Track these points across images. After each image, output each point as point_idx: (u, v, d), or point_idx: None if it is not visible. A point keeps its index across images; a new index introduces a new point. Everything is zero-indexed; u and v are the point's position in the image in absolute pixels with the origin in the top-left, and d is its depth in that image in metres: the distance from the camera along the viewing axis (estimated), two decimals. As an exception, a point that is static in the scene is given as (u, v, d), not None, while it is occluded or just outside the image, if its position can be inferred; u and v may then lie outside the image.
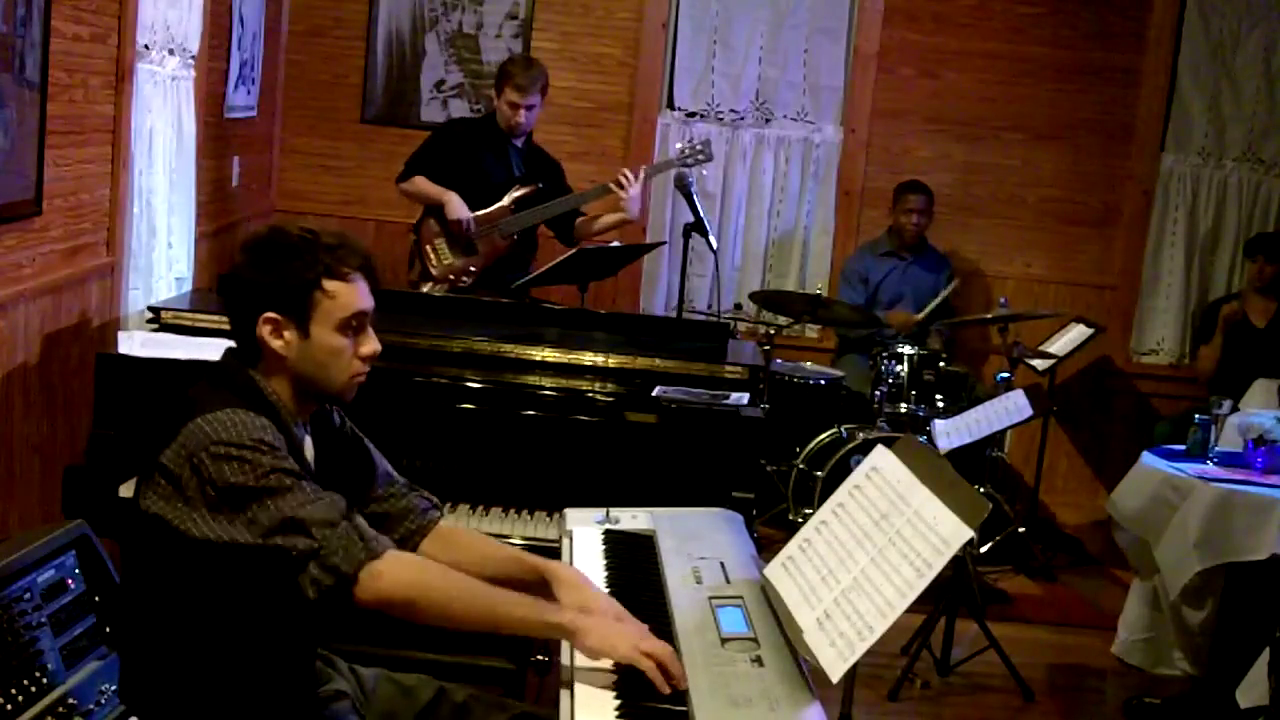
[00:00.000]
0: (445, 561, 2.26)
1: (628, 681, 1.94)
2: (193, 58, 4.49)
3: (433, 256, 4.87)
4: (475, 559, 2.28)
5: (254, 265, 2.12)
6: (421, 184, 4.95)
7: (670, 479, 3.17)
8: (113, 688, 2.49)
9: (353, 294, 2.12)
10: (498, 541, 2.38)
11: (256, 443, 1.99)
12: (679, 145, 5.07)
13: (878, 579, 1.98)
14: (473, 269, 4.85)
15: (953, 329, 5.90)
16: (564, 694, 1.93)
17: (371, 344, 2.17)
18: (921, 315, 5.63)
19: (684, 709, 1.86)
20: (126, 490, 3.11)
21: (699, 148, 4.97)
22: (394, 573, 1.97)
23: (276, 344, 2.11)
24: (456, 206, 4.84)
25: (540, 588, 2.18)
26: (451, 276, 4.88)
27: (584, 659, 1.99)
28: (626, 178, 4.83)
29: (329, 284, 2.10)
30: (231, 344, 2.21)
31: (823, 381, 5.40)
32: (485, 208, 4.88)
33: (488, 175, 4.92)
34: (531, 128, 5.00)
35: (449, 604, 2.00)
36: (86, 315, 3.83)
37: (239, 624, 2.03)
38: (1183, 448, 4.27)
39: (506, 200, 4.88)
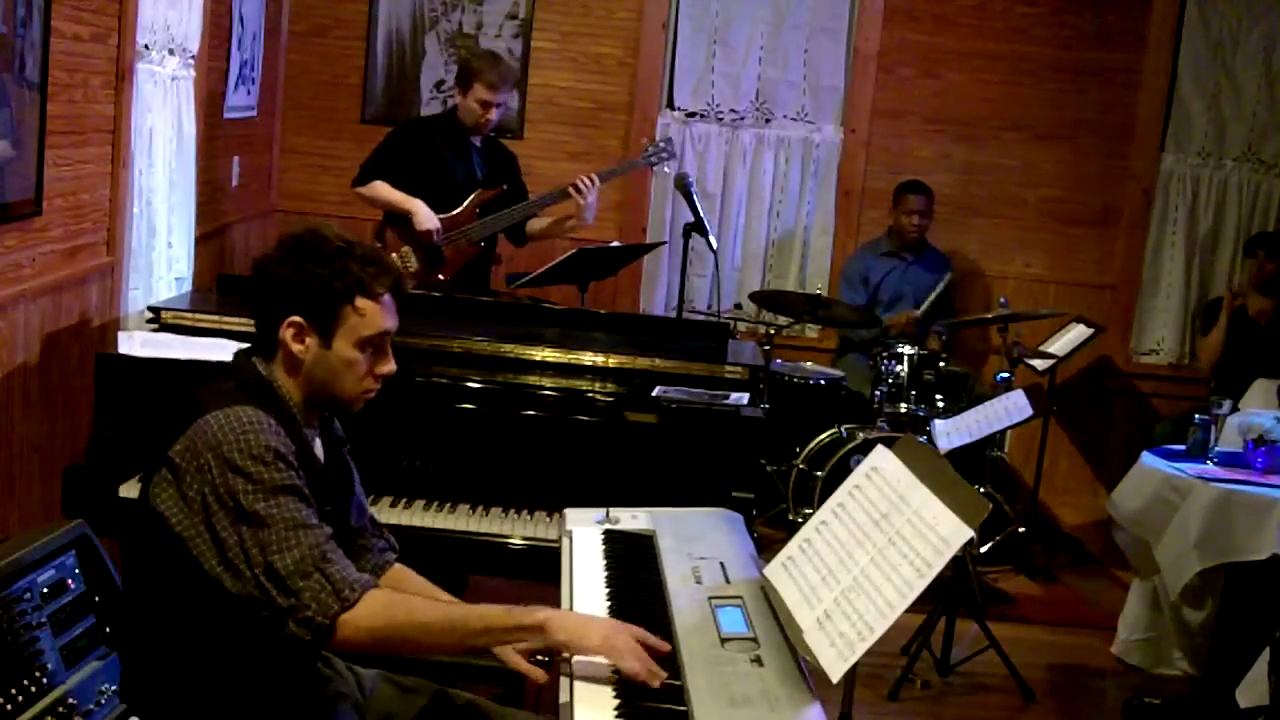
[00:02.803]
0: None
1: (627, 681, 1.94)
2: (193, 58, 4.49)
3: (399, 265, 4.76)
4: None
5: (289, 265, 2.12)
6: (383, 190, 4.78)
7: (670, 479, 3.17)
8: (113, 688, 2.50)
9: (380, 314, 2.14)
10: (441, 591, 2.36)
11: (264, 450, 1.99)
12: (644, 140, 5.03)
13: (878, 579, 1.98)
14: (441, 277, 4.75)
15: (953, 329, 5.90)
16: (564, 694, 1.93)
17: (388, 365, 2.19)
18: (919, 312, 5.63)
19: (684, 709, 1.86)
20: (126, 490, 3.11)
21: (661, 146, 4.93)
22: (365, 620, 1.97)
23: (296, 348, 2.12)
24: (425, 217, 4.69)
25: None
26: (420, 287, 4.78)
27: (584, 659, 1.99)
28: (585, 183, 4.73)
29: (360, 301, 2.11)
30: (240, 346, 2.22)
31: (823, 381, 5.40)
32: (447, 210, 4.75)
33: (449, 176, 4.79)
34: (497, 125, 4.92)
35: (421, 636, 2.02)
36: (86, 315, 3.83)
37: (239, 627, 2.03)
38: (1183, 448, 4.28)
39: (469, 204, 4.76)
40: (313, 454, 2.16)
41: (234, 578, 1.98)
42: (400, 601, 2.03)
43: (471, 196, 4.79)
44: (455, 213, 4.78)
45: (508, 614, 2.02)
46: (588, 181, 4.74)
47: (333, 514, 2.18)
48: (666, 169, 4.92)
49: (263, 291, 2.15)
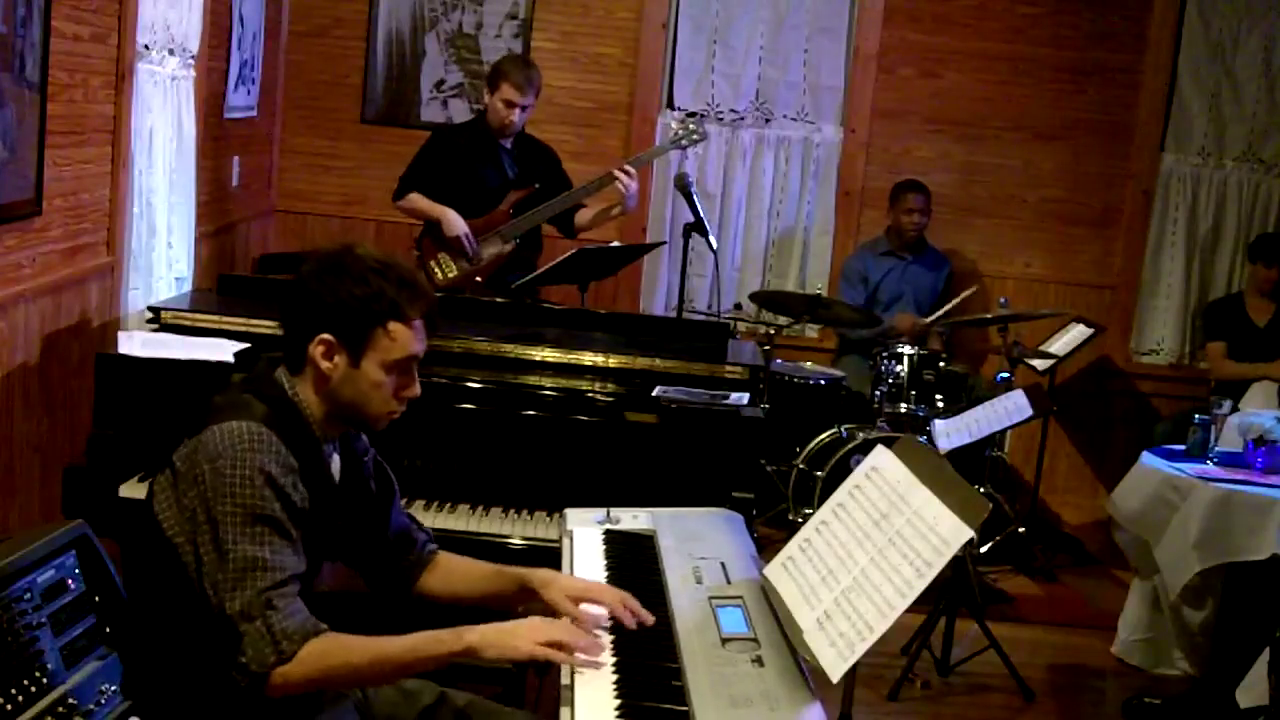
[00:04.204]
0: (442, 589, 2.37)
1: (628, 682, 1.94)
2: (193, 58, 4.49)
3: (438, 271, 4.82)
4: (467, 581, 2.38)
5: (324, 283, 2.11)
6: (417, 201, 4.89)
7: (670, 479, 3.17)
8: (113, 688, 2.49)
9: (411, 339, 2.14)
10: (480, 561, 2.42)
11: (255, 472, 1.99)
12: (673, 124, 5.04)
13: (878, 579, 1.98)
14: (478, 279, 4.82)
15: (953, 329, 5.90)
16: (564, 695, 1.93)
17: (414, 388, 2.19)
18: (930, 320, 5.61)
19: (684, 709, 1.86)
20: (126, 490, 3.11)
21: (692, 127, 4.93)
22: (298, 672, 1.97)
23: (325, 365, 2.12)
24: (453, 223, 4.78)
25: (523, 596, 2.29)
26: (459, 288, 4.84)
27: (585, 660, 1.99)
28: (625, 176, 4.76)
29: (393, 325, 2.11)
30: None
31: (823, 381, 5.40)
32: (483, 214, 4.84)
33: (482, 181, 4.87)
34: (521, 127, 4.97)
35: (354, 679, 2.09)
36: (86, 315, 3.83)
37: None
38: (1183, 448, 4.28)
39: (504, 206, 4.84)
40: (327, 471, 2.16)
41: (209, 594, 2.00)
42: (335, 648, 2.00)
43: (507, 197, 4.85)
44: (488, 216, 4.84)
45: (436, 643, 2.02)
46: (624, 174, 4.76)
47: (350, 528, 2.21)
48: (690, 155, 4.90)
49: (296, 306, 2.15)
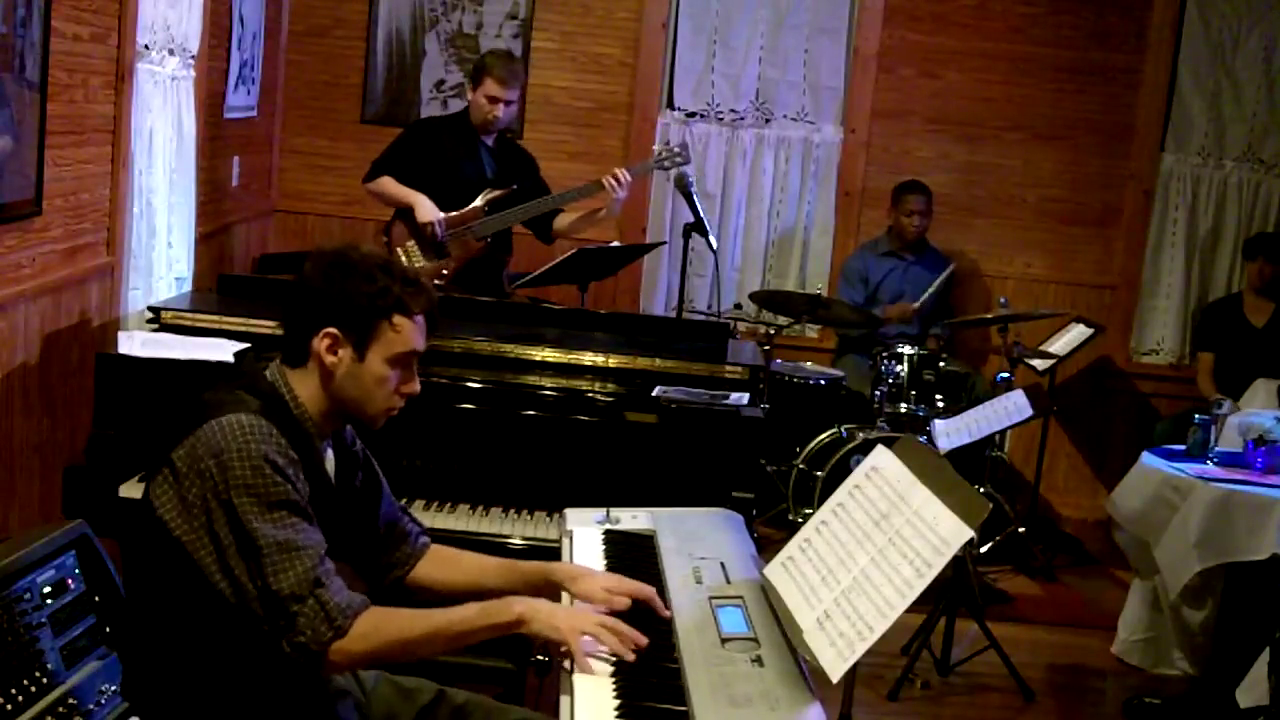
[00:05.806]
0: (445, 580, 2.36)
1: (627, 681, 1.94)
2: (193, 58, 4.49)
3: (404, 259, 4.75)
4: (474, 572, 2.38)
5: (329, 278, 2.14)
6: (389, 185, 4.82)
7: (670, 479, 3.17)
8: (113, 688, 2.50)
9: (414, 333, 2.17)
10: (487, 556, 2.44)
11: (263, 461, 2.01)
12: (655, 148, 5.02)
13: (878, 579, 1.98)
14: (445, 272, 4.74)
15: (953, 329, 5.90)
16: (564, 695, 1.93)
17: (414, 385, 2.21)
18: (918, 304, 5.62)
19: (684, 709, 1.86)
20: (126, 490, 3.11)
21: (676, 151, 4.91)
22: (355, 645, 2.00)
23: (329, 359, 2.13)
24: (425, 209, 4.72)
25: (546, 590, 2.27)
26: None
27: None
28: (621, 178, 4.73)
29: (398, 319, 2.14)
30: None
31: (823, 381, 5.40)
32: (456, 209, 4.77)
33: (458, 175, 4.81)
34: (506, 124, 4.95)
35: (405, 652, 2.08)
36: (86, 315, 3.84)
37: (239, 628, 2.04)
38: (1183, 448, 4.28)
39: (479, 202, 4.77)
40: (323, 467, 2.17)
41: (232, 588, 2.01)
42: (386, 621, 2.05)
43: (483, 194, 4.80)
44: (462, 211, 4.78)
45: (485, 615, 2.07)
46: (623, 177, 4.72)
47: (346, 523, 2.21)
48: (687, 170, 4.90)
49: (300, 301, 2.17)
